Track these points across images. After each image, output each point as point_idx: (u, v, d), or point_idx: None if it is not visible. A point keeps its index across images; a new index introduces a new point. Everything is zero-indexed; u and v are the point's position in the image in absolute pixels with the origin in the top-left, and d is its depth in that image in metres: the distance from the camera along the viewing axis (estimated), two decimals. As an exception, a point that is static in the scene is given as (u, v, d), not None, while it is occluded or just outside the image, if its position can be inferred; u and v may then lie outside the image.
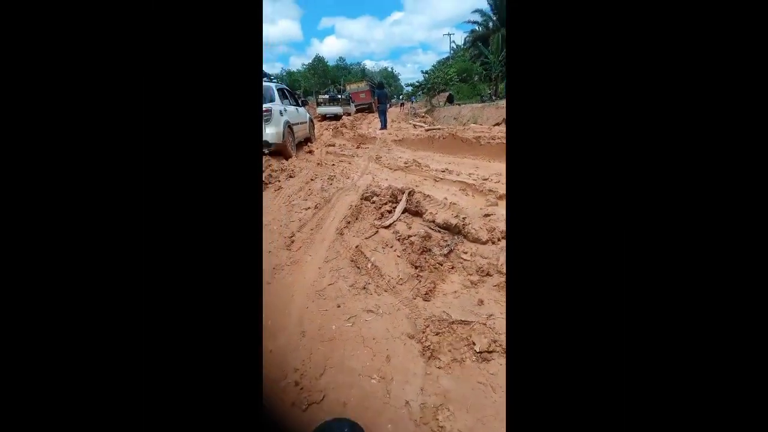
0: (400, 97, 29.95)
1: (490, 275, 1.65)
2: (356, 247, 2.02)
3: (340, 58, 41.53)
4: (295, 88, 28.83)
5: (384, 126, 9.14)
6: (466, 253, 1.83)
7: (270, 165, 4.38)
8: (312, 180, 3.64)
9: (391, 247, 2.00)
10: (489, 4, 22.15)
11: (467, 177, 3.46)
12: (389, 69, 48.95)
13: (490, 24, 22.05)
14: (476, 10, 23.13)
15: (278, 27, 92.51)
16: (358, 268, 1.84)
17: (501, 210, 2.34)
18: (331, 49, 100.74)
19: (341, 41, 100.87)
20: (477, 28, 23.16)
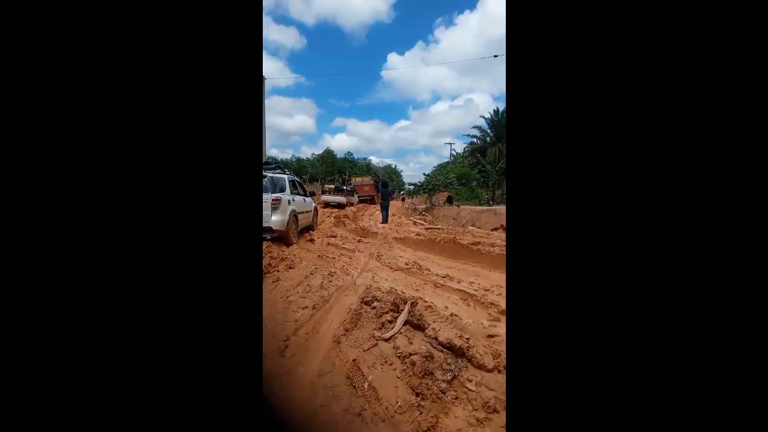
0: (401, 192, 31.84)
1: (497, 412, 1.54)
2: (353, 360, 1.92)
3: (348, 152, 45.47)
4: (302, 173, 30.77)
5: (385, 220, 9.56)
6: (470, 381, 1.74)
7: (270, 252, 4.43)
8: (311, 274, 3.63)
9: (391, 364, 1.90)
10: (486, 122, 25.32)
11: (468, 286, 3.47)
12: (393, 166, 53.22)
13: (488, 138, 24.78)
14: (475, 126, 26.35)
15: (295, 120, 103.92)
16: (354, 387, 1.72)
17: (503, 329, 2.30)
18: (340, 143, 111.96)
19: (351, 138, 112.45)
20: (476, 141, 25.95)
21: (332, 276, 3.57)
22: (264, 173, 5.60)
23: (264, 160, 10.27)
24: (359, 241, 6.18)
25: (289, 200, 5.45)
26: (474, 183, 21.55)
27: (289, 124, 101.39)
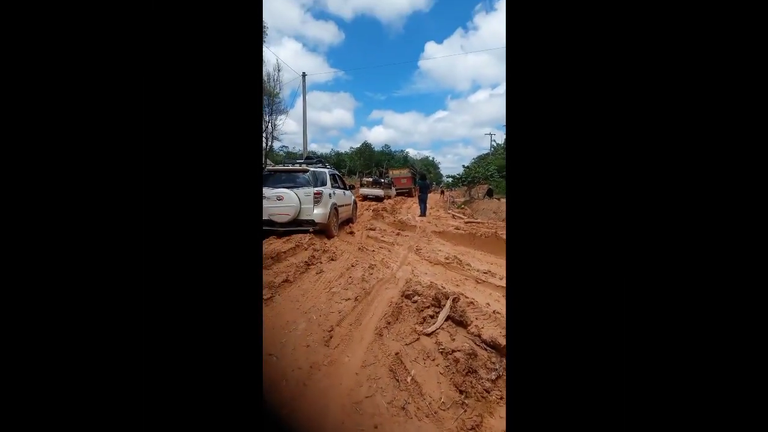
0: (440, 185, 31.41)
1: (546, 416, 1.48)
2: (396, 354, 1.94)
3: (386, 145, 45.68)
4: (341, 167, 31.31)
5: (423, 213, 9.48)
6: (516, 382, 1.69)
7: (313, 244, 4.57)
8: (353, 266, 3.71)
9: (433, 360, 1.90)
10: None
11: (511, 283, 3.36)
12: (430, 158, 52.58)
13: (531, 128, 23.58)
14: (518, 116, 25.14)
15: (333, 115, 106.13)
16: (397, 380, 1.74)
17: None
18: (377, 136, 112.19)
19: (388, 131, 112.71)
20: (518, 131, 24.81)
21: (373, 269, 3.62)
22: (306, 168, 5.77)
23: (306, 155, 10.54)
24: (398, 234, 6.19)
25: (330, 194, 5.58)
26: (515, 175, 20.66)
27: (327, 119, 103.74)
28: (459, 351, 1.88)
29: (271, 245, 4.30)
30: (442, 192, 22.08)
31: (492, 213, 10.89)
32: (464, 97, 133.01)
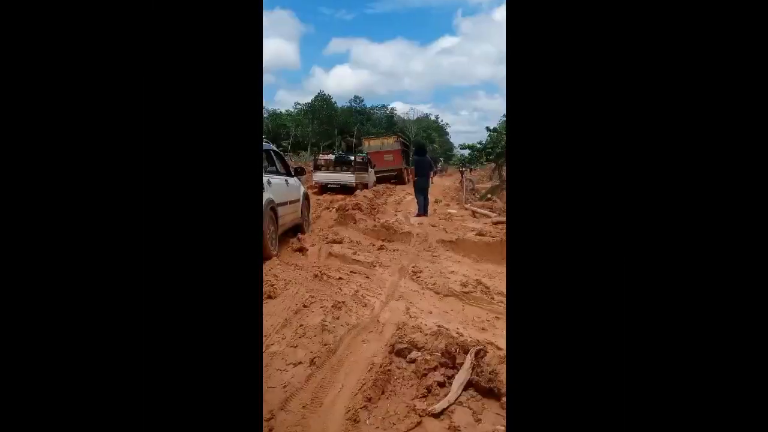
0: (450, 162, 31.60)
1: None
2: (383, 452, 1.95)
3: (356, 97, 45.75)
4: (281, 139, 31.15)
5: (423, 211, 9.42)
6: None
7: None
8: (305, 307, 3.69)
9: (446, 457, 1.92)
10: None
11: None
12: (432, 117, 52.88)
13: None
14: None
15: (265, 48, 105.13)
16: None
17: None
18: (341, 83, 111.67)
19: (359, 73, 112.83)
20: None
21: (340, 309, 3.62)
22: None
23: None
24: (381, 247, 6.23)
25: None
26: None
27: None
28: (488, 440, 1.91)
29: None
30: (462, 173, 21.38)
31: (538, 205, 11.06)
32: (484, 12, 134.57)
